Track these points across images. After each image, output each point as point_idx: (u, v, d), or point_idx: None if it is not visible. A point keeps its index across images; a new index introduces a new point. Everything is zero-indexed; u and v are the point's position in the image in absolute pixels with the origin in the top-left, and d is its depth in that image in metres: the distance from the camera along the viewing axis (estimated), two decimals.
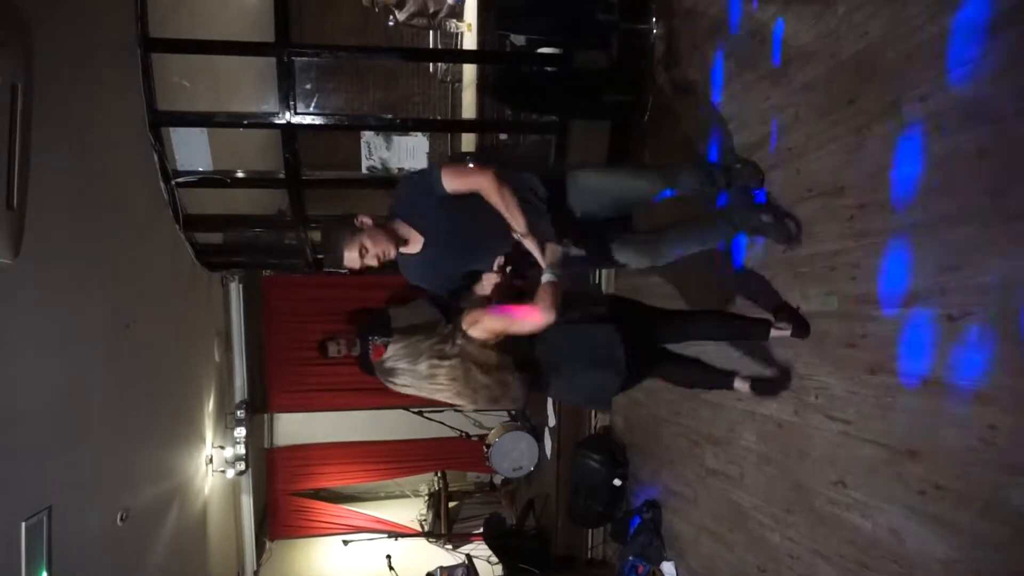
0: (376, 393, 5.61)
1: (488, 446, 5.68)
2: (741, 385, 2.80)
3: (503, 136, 5.98)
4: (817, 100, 2.49)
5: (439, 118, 7.46)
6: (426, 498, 7.36)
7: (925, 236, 2.02)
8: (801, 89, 2.59)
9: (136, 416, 3.59)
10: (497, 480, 7.42)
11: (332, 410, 6.25)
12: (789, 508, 2.71)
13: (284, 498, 6.51)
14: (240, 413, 5.24)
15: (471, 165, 2.17)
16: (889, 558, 2.17)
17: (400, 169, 4.27)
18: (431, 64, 7.14)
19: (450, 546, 6.51)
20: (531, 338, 2.14)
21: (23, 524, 2.51)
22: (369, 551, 6.26)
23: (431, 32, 6.49)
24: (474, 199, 2.19)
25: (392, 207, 2.35)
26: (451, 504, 6.97)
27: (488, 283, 2.25)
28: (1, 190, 2.36)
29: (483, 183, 2.16)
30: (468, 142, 6.20)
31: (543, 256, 2.13)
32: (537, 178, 2.39)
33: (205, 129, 4.00)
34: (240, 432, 5.14)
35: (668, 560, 3.82)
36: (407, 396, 2.25)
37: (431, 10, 6.20)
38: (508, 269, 2.25)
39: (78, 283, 3.03)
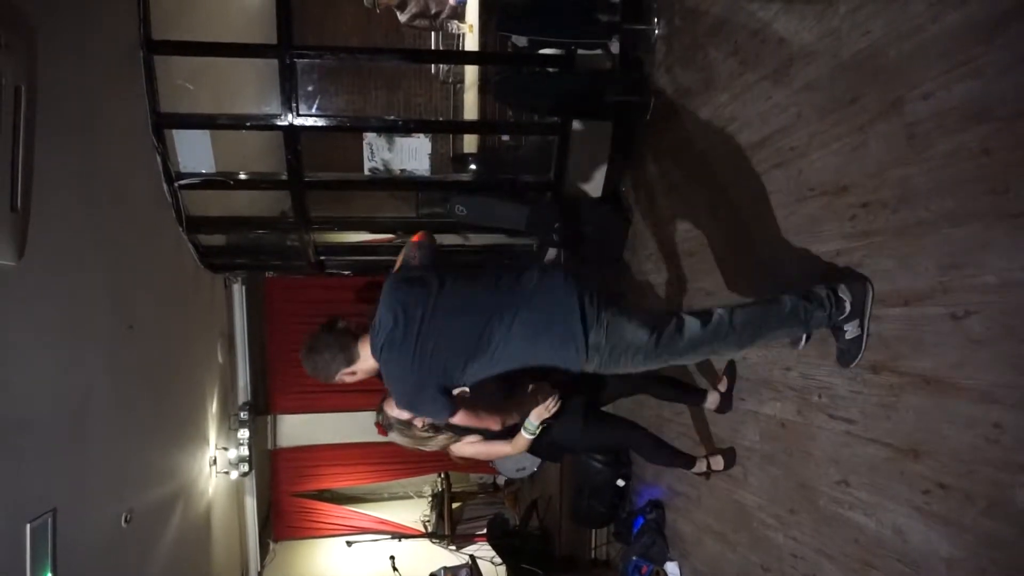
0: (380, 395, 5.60)
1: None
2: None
3: (505, 137, 5.98)
4: (819, 99, 2.49)
5: (441, 119, 7.48)
6: (430, 499, 7.37)
7: (928, 235, 2.01)
8: (803, 88, 2.59)
9: (140, 418, 3.59)
10: (500, 481, 7.43)
11: (335, 411, 6.26)
12: (793, 508, 2.71)
13: (288, 499, 6.52)
14: (243, 414, 5.25)
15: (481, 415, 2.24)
16: (893, 557, 2.17)
17: (403, 170, 4.27)
18: (433, 65, 7.15)
19: (454, 547, 6.52)
20: None
21: (28, 526, 2.52)
22: (373, 552, 6.27)
23: (433, 33, 6.51)
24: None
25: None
26: (455, 505, 6.98)
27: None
28: (5, 192, 2.37)
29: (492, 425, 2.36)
30: (470, 143, 6.21)
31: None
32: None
33: (208, 131, 4.01)
34: (243, 433, 5.14)
35: (672, 560, 3.81)
36: None
37: (433, 11, 6.21)
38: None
39: (82, 285, 3.04)
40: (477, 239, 4.89)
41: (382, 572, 5.79)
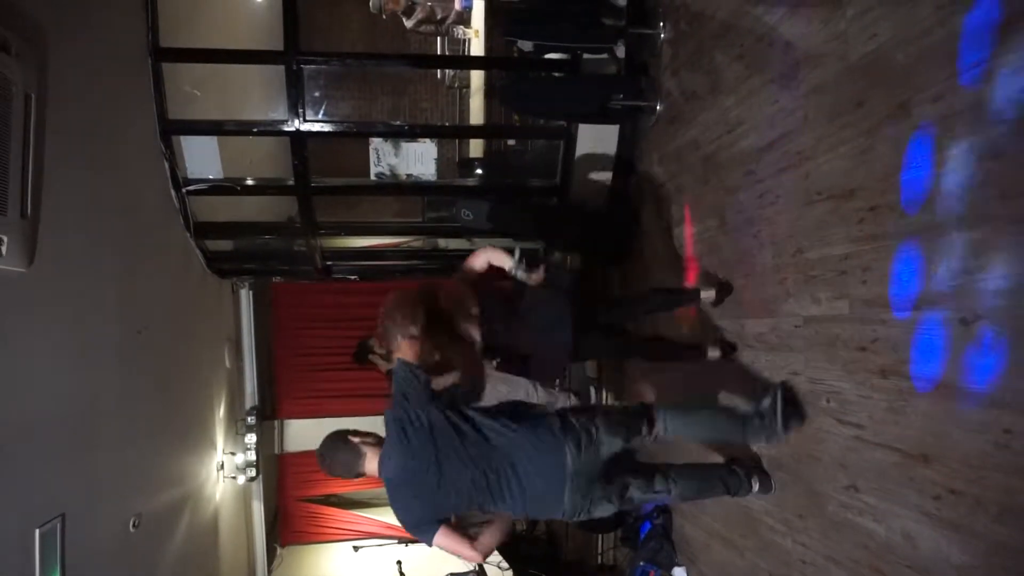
0: (386, 400, 5.60)
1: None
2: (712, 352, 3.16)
3: (511, 141, 5.99)
4: (826, 103, 2.48)
5: (447, 124, 7.50)
6: None
7: (937, 239, 2.00)
8: (810, 92, 2.58)
9: (148, 422, 3.61)
10: None
11: (342, 416, 6.26)
12: (801, 513, 2.69)
13: (295, 504, 6.52)
14: (251, 419, 5.26)
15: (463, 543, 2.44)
16: (903, 563, 2.15)
17: (409, 175, 4.29)
18: (439, 71, 7.17)
19: None
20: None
21: (37, 531, 2.53)
22: (380, 557, 6.26)
23: (439, 38, 6.52)
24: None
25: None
26: None
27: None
28: (15, 199, 2.39)
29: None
30: (476, 147, 6.22)
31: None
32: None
33: (215, 137, 4.03)
34: (251, 438, 5.15)
35: (679, 565, 3.80)
36: None
37: (439, 16, 6.23)
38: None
39: (91, 290, 3.05)
40: (484, 244, 4.89)
41: None
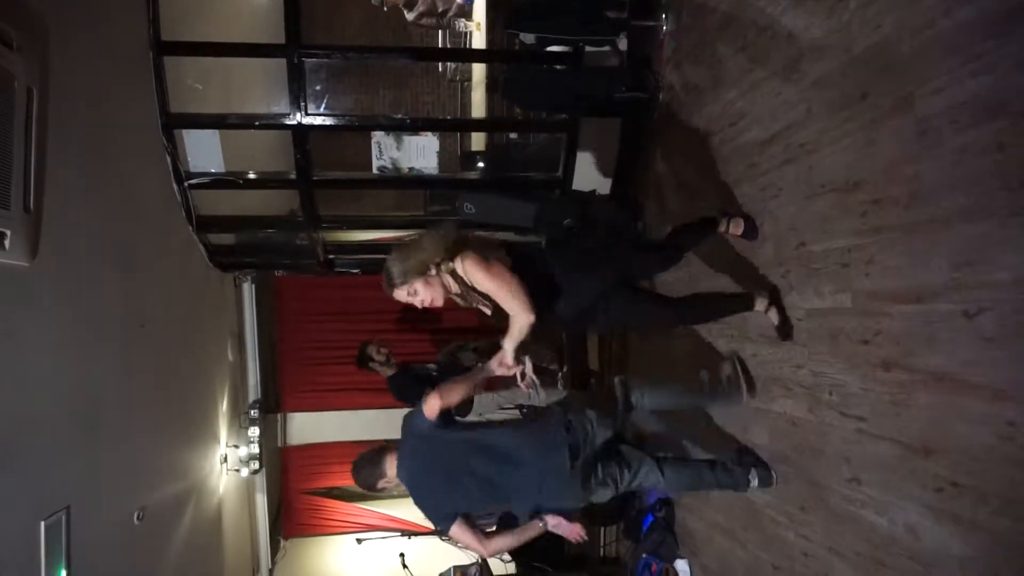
0: (389, 393, 5.63)
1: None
2: (761, 305, 2.82)
3: (513, 135, 5.98)
4: (829, 95, 2.47)
5: (449, 117, 7.48)
6: None
7: (940, 231, 2.00)
8: (813, 84, 2.57)
9: (151, 416, 3.62)
10: None
11: (345, 409, 6.28)
12: (803, 506, 2.70)
13: (298, 497, 6.54)
14: (254, 412, 5.27)
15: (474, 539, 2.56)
16: (906, 556, 2.16)
17: (411, 169, 4.28)
18: (441, 64, 7.15)
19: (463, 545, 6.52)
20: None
21: (42, 523, 2.54)
22: (383, 550, 6.28)
23: (440, 32, 6.50)
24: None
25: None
26: None
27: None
28: (18, 193, 2.39)
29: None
30: (478, 141, 6.22)
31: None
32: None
33: (217, 131, 4.03)
34: (254, 431, 5.16)
35: (681, 558, 3.81)
36: None
37: (440, 9, 6.21)
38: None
39: (94, 284, 3.06)
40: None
41: (392, 570, 5.79)
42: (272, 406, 6.01)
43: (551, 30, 4.10)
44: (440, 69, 7.38)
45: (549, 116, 4.49)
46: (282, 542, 6.42)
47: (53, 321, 2.71)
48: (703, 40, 3.48)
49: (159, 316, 3.70)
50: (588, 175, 4.38)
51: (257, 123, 4.17)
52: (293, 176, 4.16)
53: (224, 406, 4.95)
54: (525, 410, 4.40)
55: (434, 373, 4.47)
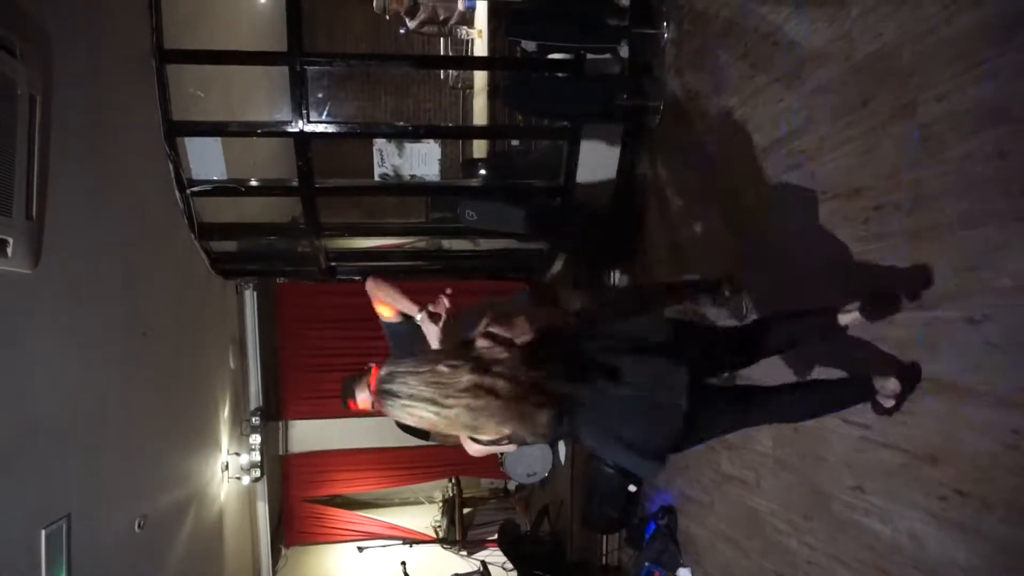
0: None
1: (502, 452, 5.66)
2: (847, 317, 2.17)
3: (515, 142, 5.99)
4: (831, 102, 2.47)
5: (451, 125, 7.49)
6: (440, 504, 7.35)
7: (943, 238, 2.00)
8: (815, 91, 2.57)
9: (153, 423, 3.62)
10: (511, 486, 7.41)
11: (346, 417, 6.27)
12: (806, 514, 2.68)
13: (299, 504, 6.53)
14: (255, 420, 5.26)
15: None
16: (909, 564, 2.14)
17: (413, 176, 4.29)
18: (442, 71, 7.17)
19: (465, 552, 6.50)
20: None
21: (43, 531, 2.54)
22: (384, 557, 6.27)
23: (442, 39, 6.52)
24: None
25: None
26: (465, 510, 6.96)
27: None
28: (21, 201, 2.39)
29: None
30: (480, 148, 6.22)
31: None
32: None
33: (219, 138, 4.04)
34: (255, 439, 5.16)
35: (684, 566, 3.79)
36: None
37: (442, 17, 6.22)
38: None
39: (96, 292, 3.06)
40: (487, 244, 4.89)
41: None
42: (273, 414, 6.00)
43: (553, 38, 4.10)
44: (442, 76, 7.39)
45: (551, 123, 4.50)
46: (283, 550, 6.40)
47: (55, 328, 2.71)
48: (704, 47, 3.49)
49: (161, 323, 3.70)
50: (590, 182, 4.38)
51: (259, 131, 4.18)
52: (295, 183, 4.17)
53: (225, 413, 4.95)
54: None
55: None
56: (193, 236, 4.23)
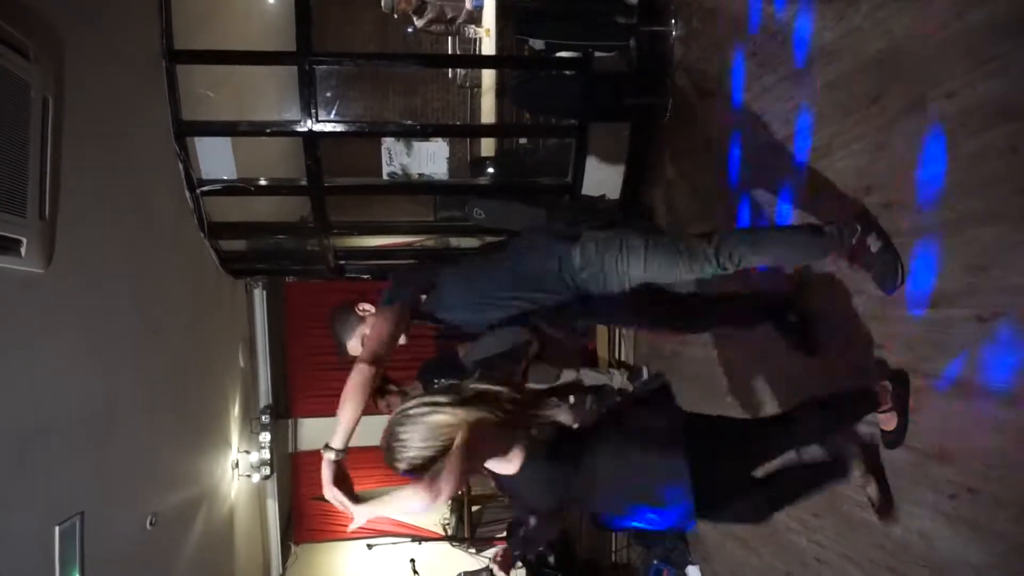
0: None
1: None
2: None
3: (523, 140, 5.99)
4: (841, 99, 2.46)
5: (459, 123, 7.51)
6: (449, 502, 7.37)
7: (953, 236, 1.98)
8: (824, 88, 2.56)
9: (164, 422, 3.64)
10: None
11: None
12: (816, 512, 2.68)
13: (309, 502, 6.56)
14: (265, 418, 5.30)
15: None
16: (920, 563, 2.14)
17: (421, 174, 4.30)
18: (450, 70, 7.18)
19: (473, 550, 6.51)
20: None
21: (57, 528, 2.56)
22: (393, 555, 6.28)
23: (450, 38, 6.53)
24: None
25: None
26: (474, 508, 6.97)
27: None
28: (34, 201, 2.42)
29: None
30: (488, 146, 6.23)
31: None
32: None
33: (229, 138, 4.06)
34: (265, 437, 5.19)
35: (693, 564, 3.79)
36: None
37: (449, 16, 6.23)
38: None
39: (107, 291, 3.08)
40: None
41: (402, 575, 5.80)
42: (283, 411, 6.03)
43: (560, 36, 4.10)
44: (450, 75, 7.40)
45: (558, 121, 4.50)
46: (293, 548, 6.43)
47: (67, 327, 2.73)
48: (713, 44, 3.48)
49: (171, 322, 3.73)
50: (597, 180, 4.38)
51: (268, 130, 4.20)
52: (304, 182, 4.19)
53: (235, 411, 4.98)
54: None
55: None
56: (203, 235, 4.26)
